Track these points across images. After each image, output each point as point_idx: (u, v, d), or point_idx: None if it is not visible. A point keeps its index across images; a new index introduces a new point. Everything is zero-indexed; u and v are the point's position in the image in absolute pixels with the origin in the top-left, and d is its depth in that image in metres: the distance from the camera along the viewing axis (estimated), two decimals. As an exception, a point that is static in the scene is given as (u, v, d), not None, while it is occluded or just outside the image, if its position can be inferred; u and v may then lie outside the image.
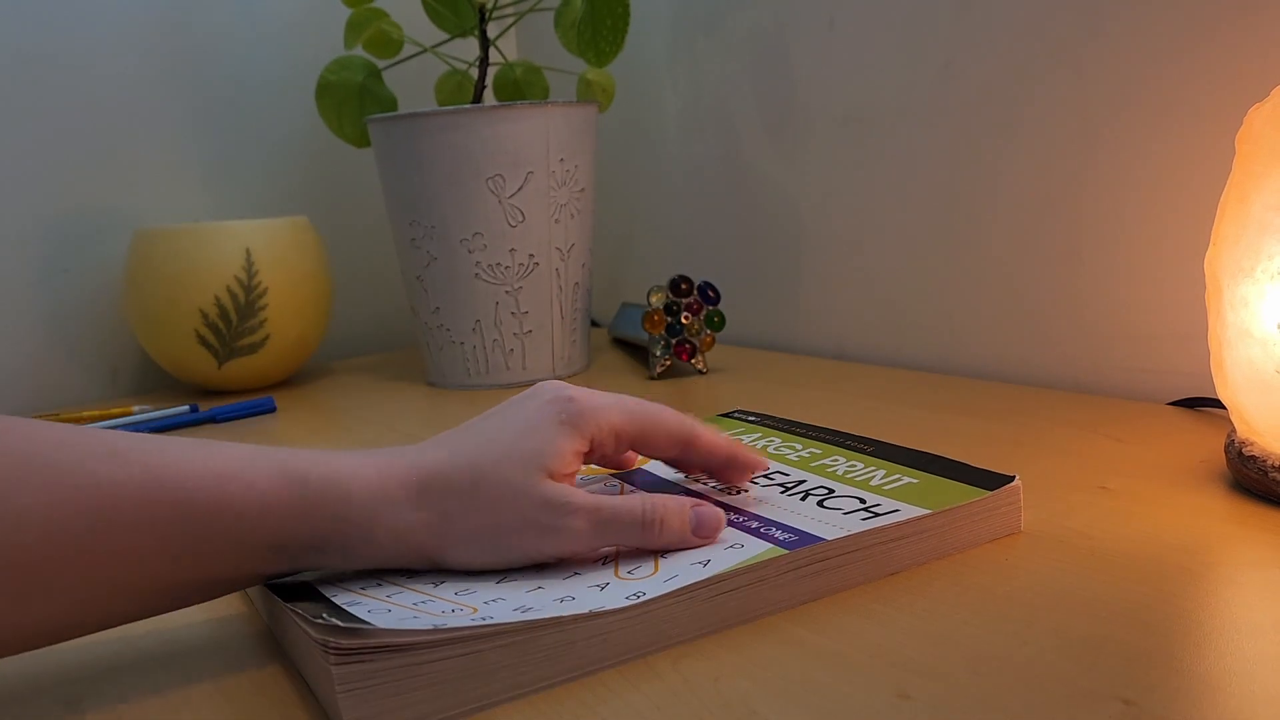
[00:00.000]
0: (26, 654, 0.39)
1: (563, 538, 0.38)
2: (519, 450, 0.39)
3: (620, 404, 0.42)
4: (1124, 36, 0.66)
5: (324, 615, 0.34)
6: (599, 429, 0.41)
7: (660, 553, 0.40)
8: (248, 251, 0.86)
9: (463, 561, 0.38)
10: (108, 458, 0.34)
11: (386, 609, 0.35)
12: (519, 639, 0.33)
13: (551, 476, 0.39)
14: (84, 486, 0.33)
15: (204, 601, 0.37)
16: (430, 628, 0.32)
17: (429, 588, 0.38)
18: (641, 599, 0.35)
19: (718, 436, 0.44)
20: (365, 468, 0.38)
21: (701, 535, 0.40)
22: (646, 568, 0.38)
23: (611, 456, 0.44)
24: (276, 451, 0.37)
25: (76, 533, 0.33)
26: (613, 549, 0.40)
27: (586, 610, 0.34)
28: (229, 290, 0.86)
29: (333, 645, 0.31)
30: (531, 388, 0.43)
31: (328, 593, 0.37)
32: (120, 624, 0.36)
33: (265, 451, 0.37)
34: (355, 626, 0.32)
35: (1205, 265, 0.49)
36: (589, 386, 0.88)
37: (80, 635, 0.35)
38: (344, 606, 0.35)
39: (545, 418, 0.40)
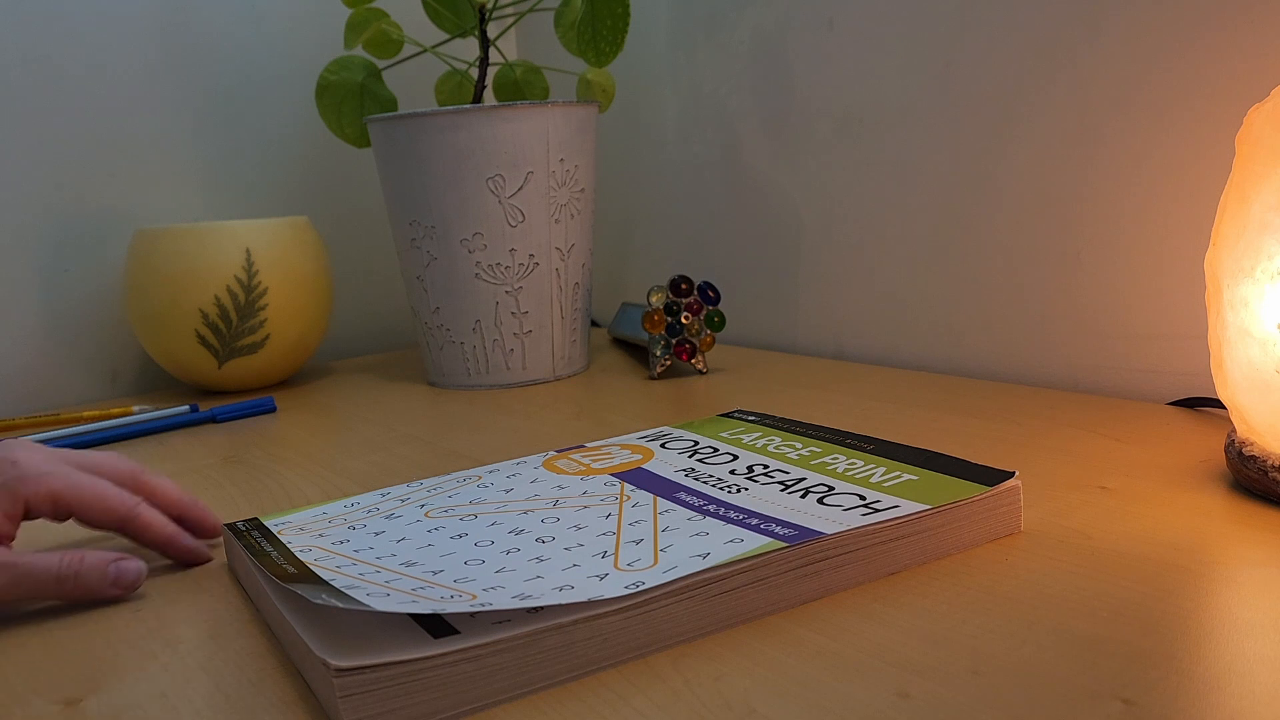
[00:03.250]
0: (27, 652, 0.39)
1: None
2: None
3: (65, 476, 0.44)
4: (1124, 36, 0.66)
5: (323, 595, 0.34)
6: (36, 496, 0.43)
7: (660, 545, 0.40)
8: (248, 251, 0.86)
9: None
10: None
11: (385, 593, 0.35)
12: (519, 640, 0.33)
13: None
14: None
15: None
16: (432, 654, 0.32)
17: (429, 575, 0.38)
18: (640, 589, 0.35)
19: (157, 520, 0.46)
20: None
21: (120, 587, 0.43)
22: (646, 560, 0.38)
23: (52, 518, 0.45)
24: None
25: None
26: None
27: (585, 599, 0.34)
28: (229, 290, 0.86)
29: (335, 666, 0.31)
30: (2, 443, 0.46)
31: (327, 577, 0.37)
32: None
33: None
34: (356, 664, 0.32)
35: (1205, 265, 0.49)
36: (589, 387, 0.87)
37: None
38: (345, 590, 0.35)
39: None
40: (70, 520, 0.45)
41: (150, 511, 0.46)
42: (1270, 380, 0.45)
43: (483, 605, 0.34)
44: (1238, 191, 0.46)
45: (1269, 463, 0.46)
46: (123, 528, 0.46)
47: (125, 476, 0.48)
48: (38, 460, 0.44)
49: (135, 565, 0.44)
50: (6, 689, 0.37)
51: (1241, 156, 0.47)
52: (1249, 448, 0.47)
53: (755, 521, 0.42)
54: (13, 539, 0.43)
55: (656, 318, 0.82)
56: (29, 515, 0.44)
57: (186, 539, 0.47)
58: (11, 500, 0.43)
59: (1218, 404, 0.61)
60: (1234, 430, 0.50)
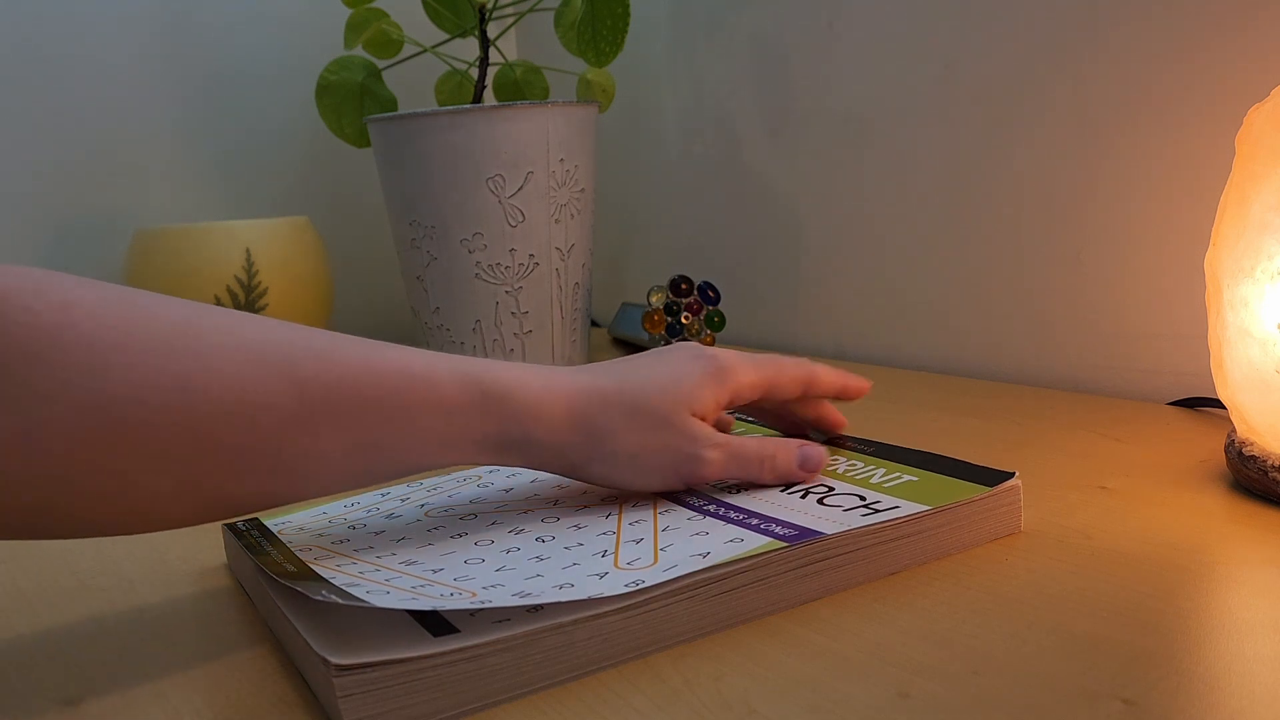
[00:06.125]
0: (27, 653, 0.39)
1: (700, 466, 0.44)
2: (673, 391, 0.44)
3: (753, 361, 0.47)
4: (1124, 37, 0.66)
5: (323, 592, 0.34)
6: (739, 385, 0.46)
7: (660, 545, 0.40)
8: (248, 251, 0.86)
9: (601, 476, 0.44)
10: (320, 355, 0.38)
11: (385, 591, 0.35)
12: (519, 640, 0.33)
13: (695, 417, 0.44)
14: (300, 381, 0.38)
15: (382, 482, 0.42)
16: (432, 652, 0.32)
17: (429, 574, 0.38)
18: (640, 587, 0.35)
19: (833, 372, 0.50)
20: (533, 382, 0.42)
21: (806, 469, 0.46)
22: (646, 559, 0.38)
23: (751, 400, 0.48)
24: (453, 358, 0.41)
25: (289, 419, 0.37)
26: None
27: (585, 596, 0.34)
28: (229, 290, 0.86)
29: (335, 664, 0.31)
30: (669, 346, 0.48)
31: (327, 575, 0.37)
32: (299, 500, 0.39)
33: (444, 357, 0.41)
34: (356, 662, 0.32)
35: (1205, 265, 0.49)
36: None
37: (270, 507, 0.39)
38: (345, 588, 0.35)
39: (695, 370, 0.45)
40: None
41: (820, 367, 0.50)
42: (1270, 380, 0.45)
43: (483, 604, 0.34)
44: (1238, 191, 0.46)
45: (1269, 463, 0.46)
46: (806, 390, 0.49)
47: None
48: (729, 354, 0.47)
49: (819, 451, 0.46)
50: (6, 689, 0.37)
51: (1241, 156, 0.47)
52: (1249, 448, 0.47)
53: (755, 521, 0.42)
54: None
55: (656, 318, 0.82)
56: (732, 402, 0.46)
57: (853, 379, 0.50)
58: (723, 390, 0.45)
59: (1218, 404, 0.61)
60: (1234, 430, 0.50)
